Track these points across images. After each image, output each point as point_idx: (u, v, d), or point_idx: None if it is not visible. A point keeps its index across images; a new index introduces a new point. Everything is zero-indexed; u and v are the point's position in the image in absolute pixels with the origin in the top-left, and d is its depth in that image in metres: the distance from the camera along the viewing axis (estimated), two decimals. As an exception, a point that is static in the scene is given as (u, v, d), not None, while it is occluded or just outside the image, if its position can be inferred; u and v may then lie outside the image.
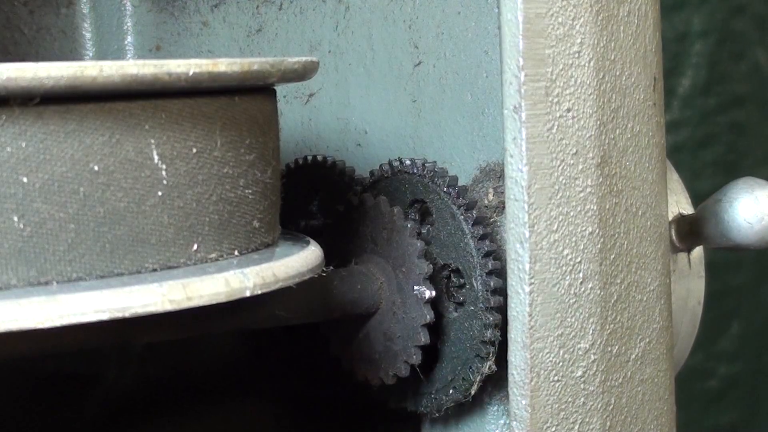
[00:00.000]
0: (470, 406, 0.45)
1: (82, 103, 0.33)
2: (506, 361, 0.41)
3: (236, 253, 0.38)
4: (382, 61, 0.48)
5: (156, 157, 0.35)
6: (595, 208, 0.41)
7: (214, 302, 0.35)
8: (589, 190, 0.41)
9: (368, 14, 0.48)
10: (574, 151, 0.40)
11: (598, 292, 0.41)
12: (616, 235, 0.42)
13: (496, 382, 0.44)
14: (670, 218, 0.47)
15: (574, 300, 0.41)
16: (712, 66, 1.00)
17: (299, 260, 0.39)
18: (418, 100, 0.46)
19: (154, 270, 0.35)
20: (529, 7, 0.39)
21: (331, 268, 0.44)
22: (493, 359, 0.42)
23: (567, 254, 0.40)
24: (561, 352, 0.41)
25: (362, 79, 0.48)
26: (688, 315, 0.50)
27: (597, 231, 0.41)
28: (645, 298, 0.43)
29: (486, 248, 0.42)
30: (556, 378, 0.41)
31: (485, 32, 0.44)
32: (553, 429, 0.41)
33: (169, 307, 0.34)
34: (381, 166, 0.45)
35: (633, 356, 0.43)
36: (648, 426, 0.43)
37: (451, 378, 0.43)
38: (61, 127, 0.33)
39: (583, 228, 0.41)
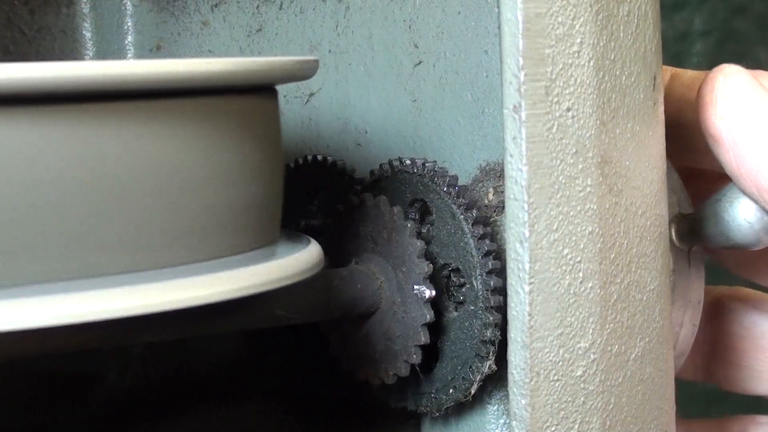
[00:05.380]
0: (470, 405, 0.45)
1: (78, 103, 0.33)
2: (506, 361, 0.41)
3: (236, 252, 0.38)
4: (382, 60, 0.48)
5: (155, 158, 0.35)
6: (595, 207, 0.41)
7: (213, 302, 0.35)
8: (589, 189, 0.41)
9: (368, 14, 0.48)
10: (574, 150, 0.40)
11: (598, 291, 0.41)
12: (616, 235, 0.42)
13: (496, 382, 0.44)
14: (670, 217, 0.47)
15: (573, 299, 0.41)
16: (714, 65, 0.99)
17: (299, 259, 0.39)
18: (418, 100, 0.47)
19: (153, 270, 0.35)
20: (529, 7, 0.39)
21: (331, 267, 0.44)
22: (493, 359, 0.42)
23: (567, 254, 0.40)
24: (561, 351, 0.41)
25: (362, 78, 0.48)
26: (688, 314, 0.50)
27: (597, 230, 0.41)
28: (645, 298, 0.43)
29: (486, 247, 0.42)
30: (555, 377, 0.41)
31: (485, 32, 0.44)
32: (553, 428, 0.41)
33: (168, 307, 0.34)
34: (381, 165, 0.45)
35: (633, 356, 0.43)
36: (648, 425, 0.43)
37: (451, 377, 0.43)
38: (56, 126, 0.33)
39: (583, 227, 0.41)
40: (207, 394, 0.54)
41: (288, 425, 0.52)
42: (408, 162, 0.44)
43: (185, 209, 0.36)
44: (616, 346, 0.42)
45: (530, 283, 0.40)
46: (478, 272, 0.42)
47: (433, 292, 0.42)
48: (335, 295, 0.43)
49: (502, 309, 0.42)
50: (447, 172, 0.43)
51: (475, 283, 0.42)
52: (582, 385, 0.41)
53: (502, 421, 0.44)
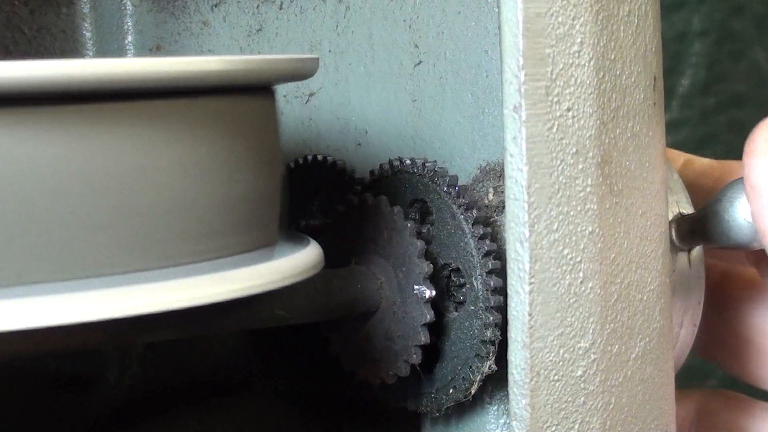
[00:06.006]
0: (470, 405, 0.45)
1: (72, 104, 0.33)
2: (506, 361, 0.41)
3: (235, 252, 0.38)
4: (382, 60, 0.48)
5: (152, 158, 0.35)
6: (595, 207, 0.41)
7: (212, 302, 0.35)
8: (589, 189, 0.41)
9: (368, 14, 0.48)
10: (574, 150, 0.40)
11: (598, 291, 0.41)
12: (617, 235, 0.42)
13: (497, 382, 0.44)
14: (670, 218, 0.47)
15: (574, 299, 0.41)
16: (712, 65, 1.00)
17: (299, 260, 0.39)
18: (418, 100, 0.47)
19: (152, 270, 0.35)
20: (529, 7, 0.39)
21: (331, 268, 0.44)
22: (494, 358, 0.42)
23: (567, 254, 0.40)
24: (561, 351, 0.41)
25: (362, 78, 0.48)
26: (689, 315, 0.50)
27: (597, 230, 0.41)
28: (645, 298, 0.43)
29: (486, 247, 0.42)
30: (556, 377, 0.41)
31: (485, 32, 0.44)
32: (553, 428, 0.41)
33: (168, 306, 0.34)
34: (381, 165, 0.45)
35: (633, 355, 0.43)
36: (648, 425, 0.43)
37: (451, 377, 0.43)
38: (53, 127, 0.33)
39: (584, 227, 0.41)
40: (207, 393, 0.54)
41: (288, 425, 0.52)
42: (408, 162, 0.44)
43: (183, 210, 0.36)
44: (617, 346, 0.42)
45: (530, 283, 0.40)
46: (478, 272, 0.42)
47: (433, 292, 0.42)
48: (335, 295, 0.43)
49: (502, 309, 0.42)
50: (447, 171, 0.43)
51: (475, 283, 0.42)
52: (582, 385, 0.41)
53: (502, 421, 0.44)
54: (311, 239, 0.41)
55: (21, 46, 0.54)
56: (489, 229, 0.42)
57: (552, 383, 0.41)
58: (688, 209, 0.49)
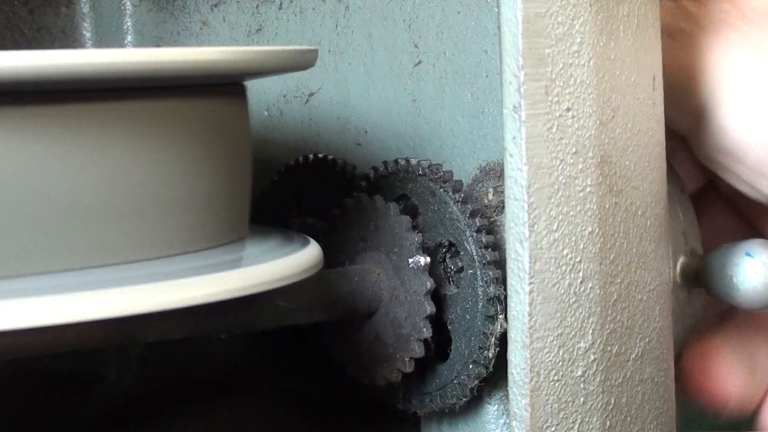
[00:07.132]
0: (470, 405, 0.45)
1: (42, 105, 0.33)
2: (506, 361, 0.41)
3: (220, 251, 0.38)
4: (382, 60, 0.48)
5: (131, 156, 0.35)
6: (595, 207, 0.41)
7: (209, 302, 0.35)
8: (588, 189, 0.41)
9: (368, 14, 0.48)
10: (574, 150, 0.40)
11: (598, 291, 0.41)
12: (616, 235, 0.42)
13: (496, 382, 0.44)
14: (680, 252, 0.48)
15: (573, 299, 0.41)
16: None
17: (300, 258, 0.39)
18: (418, 100, 0.47)
19: (146, 261, 0.35)
20: (529, 7, 0.39)
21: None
22: (503, 316, 0.42)
23: (567, 254, 0.40)
24: (561, 351, 0.41)
25: (362, 78, 0.48)
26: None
27: (597, 230, 0.41)
28: (645, 298, 0.43)
29: (470, 207, 0.42)
30: (556, 377, 0.41)
31: (485, 32, 0.44)
32: (553, 428, 0.41)
33: (168, 306, 0.34)
34: (358, 184, 0.45)
35: (633, 356, 0.43)
36: (648, 425, 0.43)
37: (468, 352, 0.43)
38: (39, 126, 0.33)
39: (583, 227, 0.41)
40: (207, 393, 0.54)
41: (289, 425, 0.52)
42: (381, 168, 0.44)
43: (173, 209, 0.36)
44: (616, 346, 0.42)
45: (530, 283, 0.40)
46: (468, 234, 0.42)
47: (428, 259, 0.42)
48: (335, 289, 0.43)
49: (500, 264, 0.41)
50: (418, 159, 0.44)
51: (467, 246, 0.42)
52: (582, 385, 0.41)
53: (502, 421, 0.44)
54: (311, 239, 0.41)
55: (20, 45, 0.54)
56: (469, 191, 0.43)
57: (552, 383, 0.41)
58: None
